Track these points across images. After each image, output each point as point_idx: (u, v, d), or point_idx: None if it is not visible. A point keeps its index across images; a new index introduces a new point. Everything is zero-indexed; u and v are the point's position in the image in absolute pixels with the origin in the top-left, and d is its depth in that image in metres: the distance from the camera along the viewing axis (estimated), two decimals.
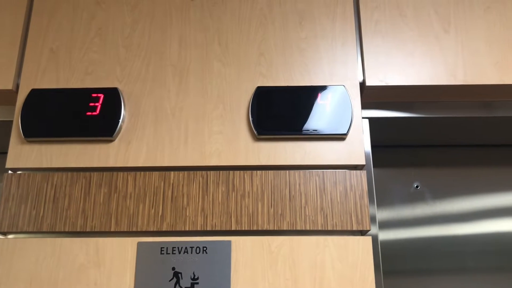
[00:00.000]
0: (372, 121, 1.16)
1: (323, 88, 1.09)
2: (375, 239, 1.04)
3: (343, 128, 1.05)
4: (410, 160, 1.40)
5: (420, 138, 1.34)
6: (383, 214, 1.34)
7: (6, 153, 1.07)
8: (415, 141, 1.37)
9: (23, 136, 1.06)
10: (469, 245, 1.31)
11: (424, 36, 1.15)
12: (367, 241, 0.99)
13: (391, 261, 1.29)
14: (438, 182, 1.37)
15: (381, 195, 1.35)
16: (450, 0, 1.18)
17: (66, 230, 1.01)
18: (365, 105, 1.15)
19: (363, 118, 1.14)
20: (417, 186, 1.37)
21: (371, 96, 1.14)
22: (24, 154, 1.06)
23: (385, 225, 1.33)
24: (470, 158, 1.40)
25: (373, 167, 1.12)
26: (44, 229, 1.01)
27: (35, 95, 1.09)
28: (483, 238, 1.32)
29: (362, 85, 1.12)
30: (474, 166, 1.39)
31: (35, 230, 1.01)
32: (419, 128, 1.26)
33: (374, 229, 1.05)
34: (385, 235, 1.32)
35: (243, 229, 1.00)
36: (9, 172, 1.06)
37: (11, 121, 1.11)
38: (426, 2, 1.18)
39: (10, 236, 1.02)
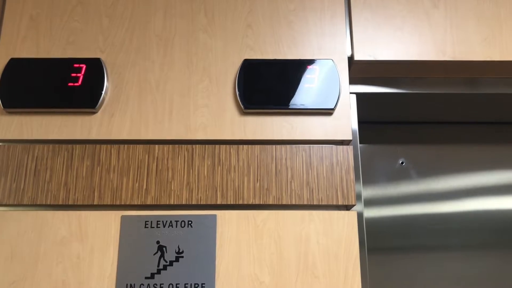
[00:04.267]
0: (360, 96, 1.15)
1: (311, 61, 1.07)
2: (360, 215, 1.04)
3: (331, 103, 1.04)
4: (396, 136, 1.40)
5: (407, 115, 1.34)
6: (368, 191, 1.34)
7: None
8: (401, 118, 1.36)
9: (2, 107, 1.02)
10: (453, 222, 1.33)
11: (414, 11, 1.14)
12: (352, 216, 0.99)
13: (376, 238, 1.30)
14: (423, 159, 1.38)
15: (367, 171, 1.35)
16: None
17: (48, 203, 0.99)
18: (353, 80, 1.14)
19: (350, 93, 1.13)
20: (402, 163, 1.37)
21: (359, 71, 1.13)
22: (4, 125, 1.03)
23: (370, 202, 1.34)
24: (456, 135, 1.40)
25: (359, 143, 1.11)
26: (25, 202, 0.99)
27: (14, 64, 1.05)
28: (467, 215, 1.34)
29: (350, 59, 1.11)
30: (459, 144, 1.40)
31: (15, 203, 0.99)
32: (406, 105, 1.25)
33: (359, 206, 1.05)
34: (370, 213, 1.33)
35: (229, 203, 1.00)
36: None
37: None
38: None
39: None
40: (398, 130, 1.40)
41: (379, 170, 1.37)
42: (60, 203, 0.99)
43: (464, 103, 1.25)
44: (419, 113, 1.32)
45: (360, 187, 1.07)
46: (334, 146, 1.04)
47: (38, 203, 0.99)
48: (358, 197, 1.05)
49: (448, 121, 1.39)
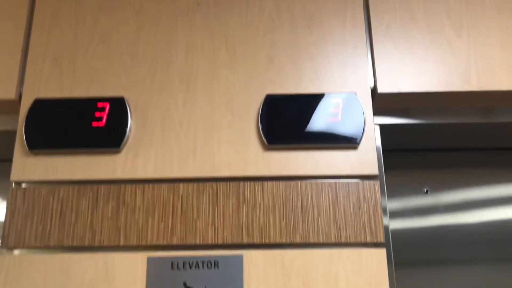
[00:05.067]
0: (384, 127, 1.14)
1: (334, 95, 1.06)
2: (388, 250, 1.02)
3: (355, 137, 1.03)
4: (420, 164, 1.38)
5: (430, 143, 1.32)
6: (394, 222, 1.32)
7: (8, 161, 1.05)
8: (425, 145, 1.34)
9: (27, 148, 1.03)
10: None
11: (436, 40, 1.12)
12: (381, 253, 0.97)
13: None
14: (448, 185, 1.36)
15: (391, 198, 1.33)
16: (462, 3, 1.15)
17: (74, 244, 0.99)
18: (376, 111, 1.12)
19: (374, 124, 1.12)
20: (426, 191, 1.35)
21: (383, 102, 1.12)
22: (29, 167, 1.03)
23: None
24: (481, 160, 1.38)
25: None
26: (52, 244, 0.99)
27: (39, 105, 1.06)
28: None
29: (374, 91, 1.10)
30: (484, 168, 1.37)
31: (42, 245, 0.99)
32: (430, 133, 1.24)
33: (386, 240, 1.03)
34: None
35: (255, 242, 0.98)
36: (14, 185, 1.04)
37: (14, 131, 1.08)
38: (437, 5, 1.15)
39: (16, 252, 1.00)
40: (422, 157, 1.38)
41: (404, 197, 1.34)
42: (86, 244, 0.99)
43: (490, 131, 1.23)
44: (443, 140, 1.30)
45: (387, 219, 1.05)
46: (360, 182, 1.02)
47: (64, 245, 0.99)
48: (386, 230, 1.03)
49: (472, 148, 1.36)
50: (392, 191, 1.33)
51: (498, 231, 1.31)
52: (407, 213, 1.33)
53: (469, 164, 1.38)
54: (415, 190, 1.35)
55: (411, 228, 1.32)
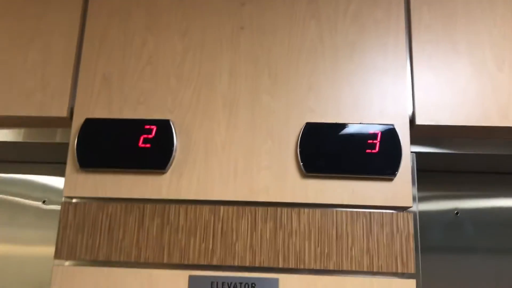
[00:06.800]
0: (419, 155, 1.16)
1: (372, 127, 1.09)
2: (417, 262, 1.06)
3: (392, 170, 1.06)
4: (450, 185, 1.40)
5: (462, 167, 1.34)
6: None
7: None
8: (456, 168, 1.36)
9: (78, 166, 1.09)
10: None
11: (478, 74, 1.13)
12: (411, 284, 1.02)
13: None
14: (477, 208, 1.38)
15: (421, 219, 1.36)
16: (506, 38, 1.15)
17: (121, 260, 1.06)
18: (413, 140, 1.14)
19: (411, 152, 1.14)
20: (457, 213, 1.37)
21: (420, 132, 1.14)
22: (80, 183, 1.10)
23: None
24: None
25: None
26: (100, 259, 1.06)
27: (89, 124, 1.12)
28: None
29: (412, 122, 1.12)
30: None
31: (91, 259, 1.06)
32: (464, 160, 1.26)
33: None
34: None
35: (290, 267, 1.04)
36: (65, 200, 1.11)
37: (66, 144, 1.14)
38: (481, 39, 1.15)
39: (68, 263, 1.08)
40: (453, 179, 1.40)
41: (434, 219, 1.38)
42: (133, 260, 1.05)
43: None
44: (475, 165, 1.32)
45: (419, 251, 1.09)
46: (394, 213, 1.06)
47: (112, 259, 1.06)
48: (416, 262, 1.07)
49: (502, 172, 1.38)
50: (421, 211, 1.36)
51: None
52: (438, 234, 1.36)
53: (498, 185, 1.40)
54: (446, 212, 1.38)
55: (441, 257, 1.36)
